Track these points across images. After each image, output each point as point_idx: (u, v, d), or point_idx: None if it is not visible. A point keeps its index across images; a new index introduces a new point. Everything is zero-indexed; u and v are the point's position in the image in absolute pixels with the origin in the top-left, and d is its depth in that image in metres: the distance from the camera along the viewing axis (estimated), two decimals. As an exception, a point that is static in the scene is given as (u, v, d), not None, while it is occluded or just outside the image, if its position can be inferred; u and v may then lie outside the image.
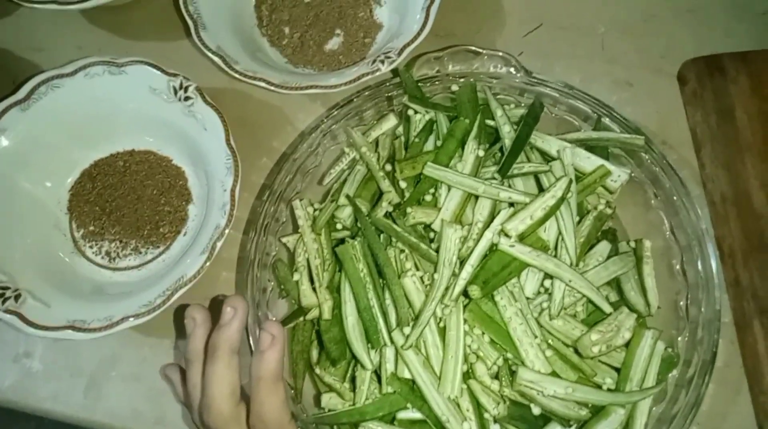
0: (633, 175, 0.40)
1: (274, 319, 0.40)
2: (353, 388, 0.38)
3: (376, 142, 0.45)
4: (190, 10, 0.47)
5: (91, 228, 0.48)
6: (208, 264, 0.41)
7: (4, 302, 0.41)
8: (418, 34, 0.46)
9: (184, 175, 0.49)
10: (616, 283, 0.38)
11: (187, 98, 0.45)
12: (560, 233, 0.36)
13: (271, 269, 0.42)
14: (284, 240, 0.43)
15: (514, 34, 0.53)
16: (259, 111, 0.51)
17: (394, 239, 0.40)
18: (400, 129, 0.46)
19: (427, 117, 0.45)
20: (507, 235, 0.36)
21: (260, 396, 0.34)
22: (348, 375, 0.39)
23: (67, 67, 0.46)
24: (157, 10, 0.54)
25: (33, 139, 0.46)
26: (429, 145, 0.43)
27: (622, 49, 0.51)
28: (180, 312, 0.45)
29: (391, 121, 0.45)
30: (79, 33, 0.54)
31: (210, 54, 0.46)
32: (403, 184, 0.42)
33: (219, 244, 0.41)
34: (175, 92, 0.46)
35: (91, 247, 0.48)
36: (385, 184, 0.41)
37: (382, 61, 0.46)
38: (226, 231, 0.42)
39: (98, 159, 0.49)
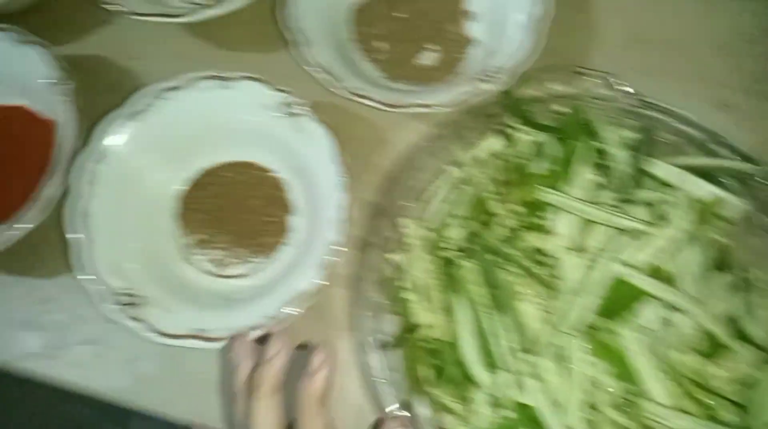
0: (747, 205, 0.40)
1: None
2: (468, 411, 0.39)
3: (480, 161, 0.46)
4: (292, 26, 0.48)
5: (200, 236, 0.50)
6: (322, 280, 0.43)
7: (128, 309, 0.42)
8: (523, 53, 0.47)
9: (286, 187, 0.50)
10: (732, 317, 0.39)
11: (295, 114, 0.46)
12: (682, 264, 0.37)
13: (381, 287, 0.43)
14: (392, 257, 0.44)
15: (610, 52, 0.53)
16: (354, 124, 0.52)
17: (506, 262, 0.41)
18: (503, 148, 0.46)
19: (532, 138, 0.45)
20: (630, 266, 0.37)
21: (304, 421, 0.35)
22: (462, 397, 0.40)
23: (178, 80, 0.47)
24: (253, 21, 0.55)
25: (144, 150, 0.48)
26: (537, 168, 0.44)
27: (722, 70, 0.51)
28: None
29: (493, 141, 0.46)
30: (176, 42, 0.56)
31: (315, 72, 0.47)
32: (514, 207, 0.43)
33: (333, 261, 0.43)
34: (284, 108, 0.47)
35: (199, 254, 0.49)
36: (497, 207, 0.42)
37: (486, 80, 0.46)
38: (340, 249, 0.43)
39: (206, 169, 0.51)
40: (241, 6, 0.49)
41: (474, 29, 0.54)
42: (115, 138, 0.47)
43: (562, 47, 0.53)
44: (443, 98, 0.46)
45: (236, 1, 0.48)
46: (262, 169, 0.51)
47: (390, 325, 0.43)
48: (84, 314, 0.48)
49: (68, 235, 0.44)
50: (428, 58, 0.53)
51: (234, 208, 0.50)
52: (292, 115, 0.46)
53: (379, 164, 0.51)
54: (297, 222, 0.50)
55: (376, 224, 0.45)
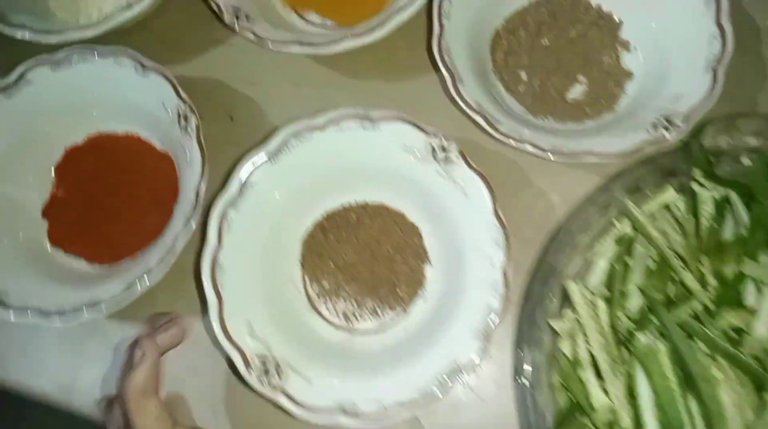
0: None
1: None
2: None
3: (656, 218, 0.41)
4: (446, 61, 0.43)
5: (325, 284, 0.45)
6: (481, 353, 0.38)
7: (268, 377, 0.39)
8: (706, 98, 0.41)
9: (419, 233, 0.46)
10: None
11: (446, 160, 0.42)
12: None
13: (541, 357, 0.39)
14: (555, 324, 0.40)
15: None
16: (495, 164, 0.47)
17: (698, 341, 0.36)
18: (681, 203, 0.41)
19: (717, 194, 0.40)
20: None
21: (134, 414, 0.38)
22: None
23: (318, 118, 0.43)
24: (383, 48, 0.50)
25: (277, 193, 0.44)
26: (729, 232, 0.39)
27: None
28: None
29: (669, 194, 0.41)
30: (296, 68, 0.51)
31: (471, 113, 0.42)
32: (706, 277, 0.37)
33: (494, 329, 0.38)
34: (433, 152, 0.42)
35: (326, 305, 0.45)
36: (688, 278, 0.37)
37: (667, 128, 0.41)
38: (502, 315, 0.38)
39: (330, 211, 0.47)
40: (381, 37, 0.44)
41: (632, 62, 0.48)
42: (251, 181, 0.43)
43: (746, 89, 0.47)
44: (619, 148, 0.41)
45: (377, 33, 0.43)
46: (397, 213, 0.46)
47: (547, 400, 0.39)
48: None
49: (206, 291, 0.40)
50: (578, 92, 0.48)
51: (362, 255, 0.46)
52: (442, 159, 0.42)
53: (535, 217, 0.46)
54: (433, 274, 0.45)
55: (535, 287, 0.40)
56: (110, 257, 0.47)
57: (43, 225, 0.48)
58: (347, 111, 0.43)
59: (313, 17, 0.51)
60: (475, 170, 0.41)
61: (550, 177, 0.47)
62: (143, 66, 0.45)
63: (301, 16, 0.51)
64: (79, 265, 0.48)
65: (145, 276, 0.41)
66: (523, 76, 0.48)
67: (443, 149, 0.42)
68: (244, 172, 0.42)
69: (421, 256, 0.45)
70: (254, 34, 0.45)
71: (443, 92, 0.49)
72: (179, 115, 0.44)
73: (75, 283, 0.45)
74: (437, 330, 0.41)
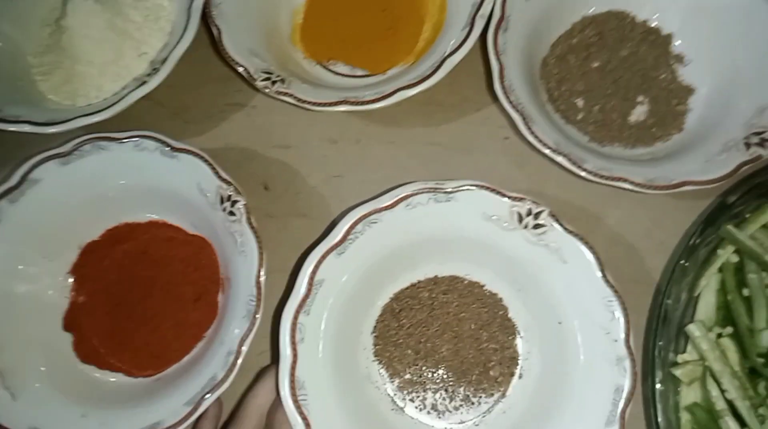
0: None
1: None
2: None
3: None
4: (512, 100, 0.39)
5: (407, 376, 0.40)
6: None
7: None
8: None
9: (502, 303, 0.41)
10: None
11: (537, 226, 0.37)
12: None
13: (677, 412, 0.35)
14: (678, 373, 0.36)
15: None
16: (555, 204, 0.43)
17: None
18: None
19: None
20: None
21: None
22: None
23: (383, 198, 0.37)
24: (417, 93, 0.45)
25: (348, 285, 0.38)
26: None
27: None
28: None
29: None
30: (331, 124, 0.46)
31: (552, 154, 0.38)
32: None
33: (626, 413, 0.34)
34: (520, 219, 0.37)
35: (412, 400, 0.40)
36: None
37: (762, 145, 0.38)
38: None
39: (398, 291, 0.41)
40: (429, 87, 0.40)
41: (692, 76, 0.44)
42: (318, 280, 0.37)
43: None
44: (715, 173, 0.37)
45: (431, 80, 0.39)
46: (468, 284, 0.41)
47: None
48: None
49: (292, 418, 0.34)
50: (640, 113, 0.45)
51: (443, 337, 0.40)
52: (531, 225, 0.37)
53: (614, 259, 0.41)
54: (524, 346, 0.40)
55: (657, 341, 0.36)
56: (154, 367, 0.41)
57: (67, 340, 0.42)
58: (418, 186, 0.37)
59: (340, 68, 0.47)
60: (572, 233, 0.36)
61: (600, 206, 0.43)
62: (171, 148, 0.39)
63: (326, 68, 0.47)
64: (119, 379, 0.42)
65: (213, 387, 0.35)
66: (580, 103, 0.44)
67: (531, 214, 0.37)
68: (311, 270, 0.37)
69: (509, 328, 0.40)
70: (294, 97, 0.40)
71: (495, 129, 0.45)
72: (222, 198, 0.39)
73: (122, 404, 0.39)
74: (551, 414, 0.37)
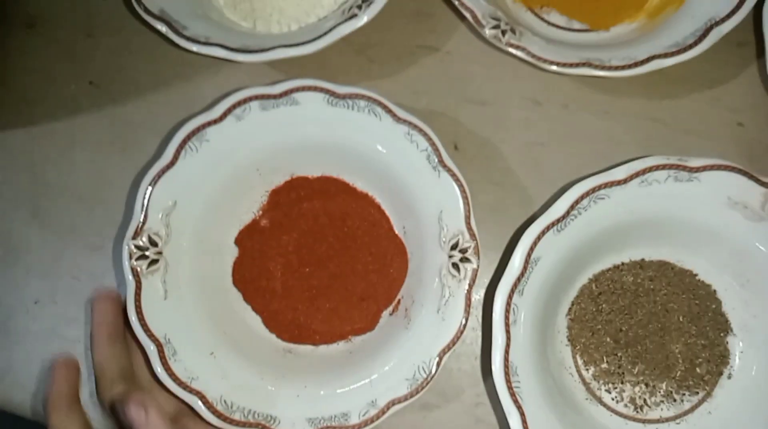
0: None
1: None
2: None
3: None
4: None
5: (604, 366, 0.37)
6: None
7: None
8: None
9: (716, 296, 0.37)
10: None
11: None
12: None
13: None
14: None
15: None
16: None
17: None
18: None
19: None
20: None
21: None
22: None
23: (616, 171, 0.33)
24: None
25: (552, 260, 0.35)
26: None
27: None
28: None
29: None
30: (535, 82, 0.40)
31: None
32: None
33: None
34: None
35: (608, 391, 0.37)
36: None
37: None
38: None
39: (598, 272, 0.38)
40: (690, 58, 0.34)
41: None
42: (535, 258, 0.34)
43: None
44: None
45: (699, 47, 0.34)
46: (684, 273, 0.37)
47: None
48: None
49: (506, 406, 0.32)
50: None
51: (647, 328, 0.37)
52: None
53: None
54: (737, 346, 0.37)
55: None
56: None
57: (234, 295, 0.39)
58: (658, 161, 0.33)
59: (555, 17, 0.41)
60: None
61: None
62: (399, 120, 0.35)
63: (538, 16, 0.41)
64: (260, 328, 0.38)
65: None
66: None
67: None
68: (529, 247, 0.33)
69: (722, 324, 0.37)
70: (527, 52, 0.34)
71: (727, 113, 0.39)
72: (453, 244, 0.34)
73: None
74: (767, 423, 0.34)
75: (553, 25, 0.41)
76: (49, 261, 0.41)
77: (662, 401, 0.37)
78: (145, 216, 0.34)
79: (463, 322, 0.33)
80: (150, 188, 0.35)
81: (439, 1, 0.42)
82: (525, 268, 0.33)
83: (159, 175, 0.35)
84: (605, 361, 0.37)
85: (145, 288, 0.34)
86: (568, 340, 0.37)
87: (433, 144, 0.34)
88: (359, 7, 0.36)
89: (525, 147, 0.40)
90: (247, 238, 0.39)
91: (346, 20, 0.36)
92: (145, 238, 0.34)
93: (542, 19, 0.41)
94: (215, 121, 0.35)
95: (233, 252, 0.39)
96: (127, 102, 0.43)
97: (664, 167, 0.33)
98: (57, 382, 0.34)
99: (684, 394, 0.37)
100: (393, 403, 0.33)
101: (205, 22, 0.39)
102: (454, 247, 0.34)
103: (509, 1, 0.41)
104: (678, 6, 0.37)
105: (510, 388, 0.32)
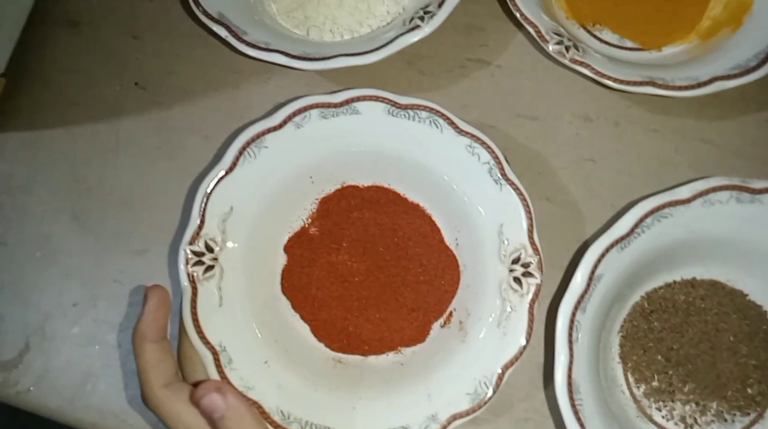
0: None
1: None
2: None
3: None
4: None
5: (655, 383, 0.37)
6: None
7: None
8: None
9: (766, 317, 0.38)
10: None
11: None
12: None
13: None
14: None
15: None
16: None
17: None
18: None
19: None
20: None
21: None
22: None
23: (680, 190, 0.33)
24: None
25: (613, 277, 0.35)
26: None
27: None
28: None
29: None
30: (585, 96, 0.41)
31: None
32: None
33: None
34: None
35: (659, 408, 0.37)
36: None
37: None
38: None
39: (651, 290, 0.38)
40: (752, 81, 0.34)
41: None
42: (598, 274, 0.33)
43: None
44: None
45: (752, 75, 0.34)
46: (735, 293, 0.38)
47: None
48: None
49: (567, 420, 0.32)
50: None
51: (698, 347, 0.37)
52: None
53: None
54: (786, 367, 0.37)
55: None
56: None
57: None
58: (721, 181, 0.33)
59: (607, 35, 0.41)
60: None
61: None
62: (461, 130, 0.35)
63: (591, 33, 0.41)
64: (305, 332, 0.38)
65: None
66: None
67: None
68: (593, 265, 0.33)
69: (774, 345, 0.37)
70: (592, 68, 0.35)
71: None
72: (515, 259, 0.34)
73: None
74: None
75: (606, 42, 0.41)
76: (90, 265, 0.40)
77: (713, 421, 0.37)
78: (202, 221, 0.34)
79: (527, 337, 0.33)
80: (208, 193, 0.34)
81: (491, 16, 0.42)
82: (588, 285, 0.33)
83: (218, 181, 0.34)
84: (656, 379, 0.37)
85: (201, 294, 0.33)
86: (620, 357, 0.37)
87: (495, 157, 0.34)
88: (421, 19, 0.36)
89: (575, 163, 0.40)
90: (296, 245, 0.38)
91: (408, 31, 0.36)
92: (201, 244, 0.34)
93: (595, 36, 0.41)
94: (275, 128, 0.35)
95: (283, 259, 0.38)
96: (174, 106, 0.43)
97: (727, 188, 0.33)
98: (149, 312, 0.32)
99: (735, 415, 0.37)
100: (455, 417, 0.32)
101: (261, 28, 0.39)
102: (515, 262, 0.34)
103: (563, 19, 0.41)
104: (735, 28, 0.37)
105: (573, 406, 0.32)
